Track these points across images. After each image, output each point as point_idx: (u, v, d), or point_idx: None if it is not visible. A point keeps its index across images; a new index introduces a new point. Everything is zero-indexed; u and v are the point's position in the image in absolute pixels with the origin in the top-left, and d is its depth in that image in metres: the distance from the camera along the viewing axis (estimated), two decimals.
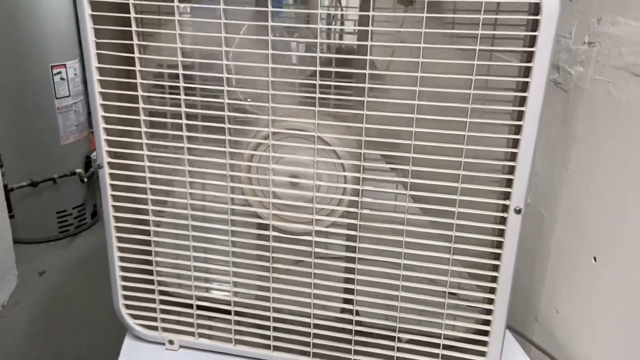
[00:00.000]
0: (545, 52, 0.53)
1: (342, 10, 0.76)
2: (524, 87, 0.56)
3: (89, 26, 0.61)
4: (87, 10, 0.60)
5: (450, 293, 0.64)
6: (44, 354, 1.67)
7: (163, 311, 0.72)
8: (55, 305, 1.90)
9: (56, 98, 2.17)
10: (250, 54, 0.59)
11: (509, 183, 0.59)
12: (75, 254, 2.24)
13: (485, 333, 0.65)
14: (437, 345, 0.66)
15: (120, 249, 0.70)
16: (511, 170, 0.58)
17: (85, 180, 2.28)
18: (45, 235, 2.27)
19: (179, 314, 0.72)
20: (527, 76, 0.55)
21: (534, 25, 0.53)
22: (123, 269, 0.71)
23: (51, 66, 2.13)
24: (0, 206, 1.89)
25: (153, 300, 0.72)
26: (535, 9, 0.53)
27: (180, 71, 0.61)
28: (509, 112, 0.58)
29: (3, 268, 1.88)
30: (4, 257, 1.89)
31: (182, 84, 0.62)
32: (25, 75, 2.09)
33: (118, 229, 0.69)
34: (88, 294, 1.95)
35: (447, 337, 0.66)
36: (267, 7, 0.57)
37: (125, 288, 0.72)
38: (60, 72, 2.17)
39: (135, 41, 0.61)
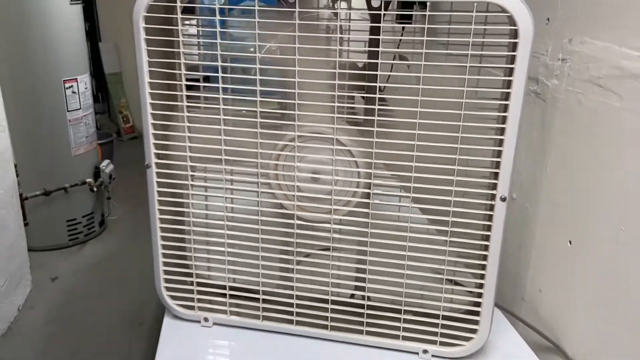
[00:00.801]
0: (522, 68, 0.65)
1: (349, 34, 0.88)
2: (507, 96, 0.68)
3: (143, 48, 0.72)
4: (142, 35, 0.72)
5: (448, 272, 0.76)
6: (60, 355, 1.75)
7: (199, 292, 0.83)
8: (68, 309, 1.98)
9: (68, 111, 2.27)
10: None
11: (496, 176, 0.71)
12: (85, 261, 2.32)
13: (478, 304, 0.76)
14: (437, 317, 0.77)
15: (164, 238, 0.81)
16: (497, 165, 0.70)
17: (95, 189, 2.37)
18: (56, 242, 2.36)
19: (213, 294, 0.83)
20: (509, 88, 0.67)
21: (514, 46, 0.65)
22: (165, 255, 0.82)
23: (63, 80, 2.23)
24: (16, 215, 1.98)
25: (191, 284, 0.83)
26: (514, 33, 0.65)
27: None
28: (495, 117, 0.70)
29: (19, 274, 1.96)
30: (20, 263, 1.98)
31: (221, 96, 0.73)
32: (39, 90, 2.20)
33: (162, 221, 0.80)
34: (99, 299, 2.04)
35: (445, 310, 0.77)
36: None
37: (166, 272, 0.83)
38: (72, 86, 2.27)
39: (182, 60, 0.73)
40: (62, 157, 2.28)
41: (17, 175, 2.04)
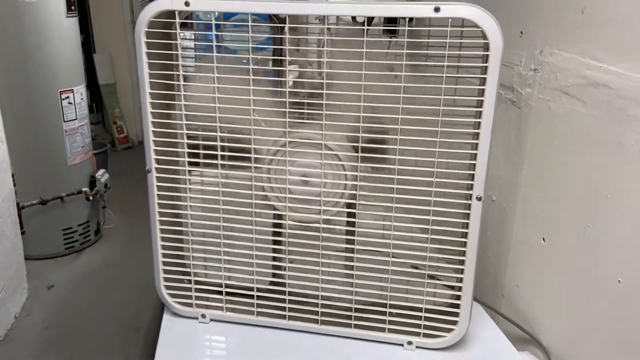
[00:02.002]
0: (493, 77, 0.71)
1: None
2: (480, 104, 0.74)
3: (144, 60, 0.78)
4: (143, 48, 0.77)
5: (429, 269, 0.81)
6: None
7: (197, 290, 0.88)
8: (65, 317, 2.01)
9: (64, 121, 2.31)
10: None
11: (472, 177, 0.76)
12: (81, 269, 2.35)
13: (458, 298, 0.81)
14: (420, 310, 0.83)
15: (163, 239, 0.86)
16: (473, 167, 0.76)
17: (91, 198, 2.41)
18: (52, 251, 2.39)
19: (210, 292, 0.88)
20: (482, 96, 0.73)
21: (486, 58, 0.71)
22: (164, 255, 0.87)
23: (60, 91, 2.28)
24: (13, 223, 2.01)
25: (189, 282, 0.88)
26: (486, 46, 0.71)
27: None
28: (471, 124, 0.76)
29: (15, 282, 1.99)
30: (17, 271, 2.01)
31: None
32: (36, 100, 2.24)
33: (162, 222, 0.85)
34: (95, 306, 2.07)
35: (428, 304, 0.83)
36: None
37: (166, 272, 0.87)
38: (68, 97, 2.32)
39: (181, 72, 0.78)
40: (59, 167, 2.32)
41: (14, 185, 2.07)
